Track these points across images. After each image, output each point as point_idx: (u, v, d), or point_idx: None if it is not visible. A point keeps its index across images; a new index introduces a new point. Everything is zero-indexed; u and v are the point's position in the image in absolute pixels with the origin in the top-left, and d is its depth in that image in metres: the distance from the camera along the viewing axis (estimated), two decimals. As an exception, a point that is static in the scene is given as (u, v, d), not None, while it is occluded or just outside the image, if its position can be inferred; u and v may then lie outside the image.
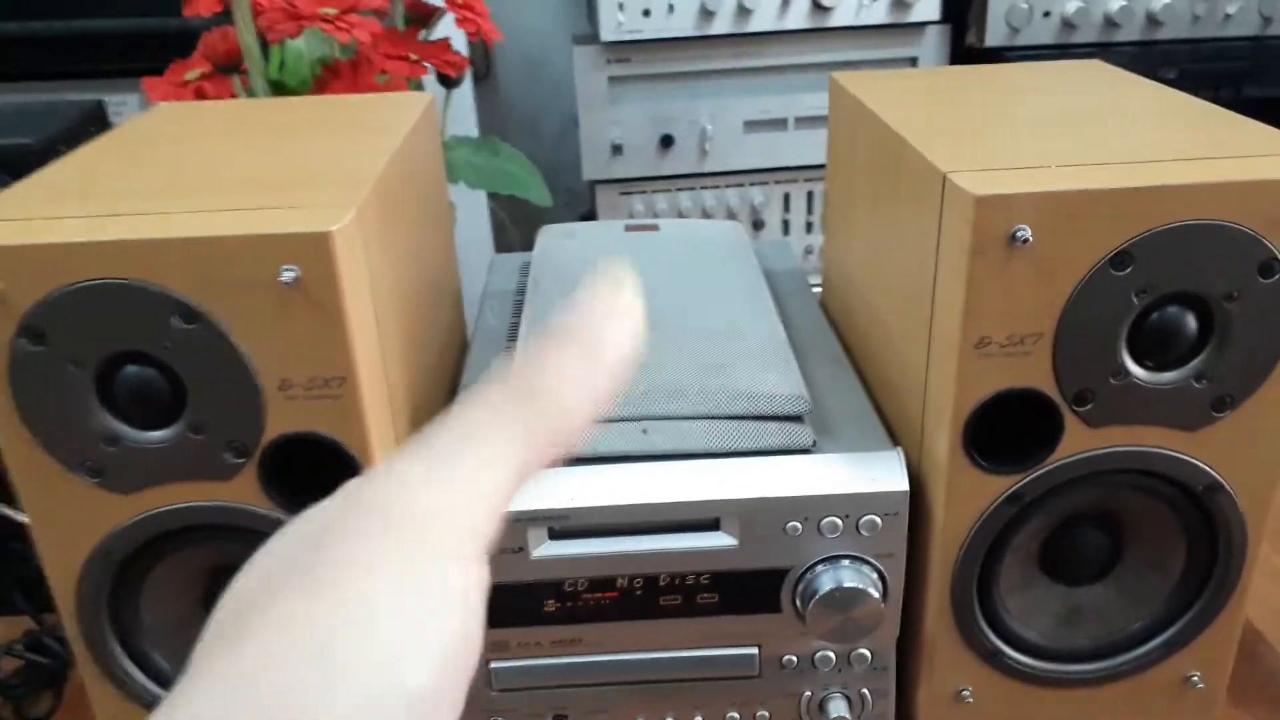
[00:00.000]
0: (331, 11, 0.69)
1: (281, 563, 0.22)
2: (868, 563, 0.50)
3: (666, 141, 1.26)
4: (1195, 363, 0.46)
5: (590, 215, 1.34)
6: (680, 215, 1.31)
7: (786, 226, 1.33)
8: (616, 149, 1.26)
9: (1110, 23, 1.21)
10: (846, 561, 0.50)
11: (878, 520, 0.49)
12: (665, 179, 1.30)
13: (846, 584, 0.49)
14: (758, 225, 1.32)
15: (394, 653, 0.20)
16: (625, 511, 0.49)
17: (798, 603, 0.50)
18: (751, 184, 1.31)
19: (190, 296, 0.42)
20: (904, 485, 0.49)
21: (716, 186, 1.30)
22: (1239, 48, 1.24)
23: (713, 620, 0.51)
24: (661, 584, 0.50)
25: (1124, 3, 1.20)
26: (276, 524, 0.45)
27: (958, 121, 0.54)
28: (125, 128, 0.57)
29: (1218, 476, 0.48)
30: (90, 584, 0.47)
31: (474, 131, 1.31)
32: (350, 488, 0.23)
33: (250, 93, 0.74)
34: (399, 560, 0.21)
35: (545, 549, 0.49)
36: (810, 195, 1.32)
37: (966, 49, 1.25)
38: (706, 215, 1.31)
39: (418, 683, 0.20)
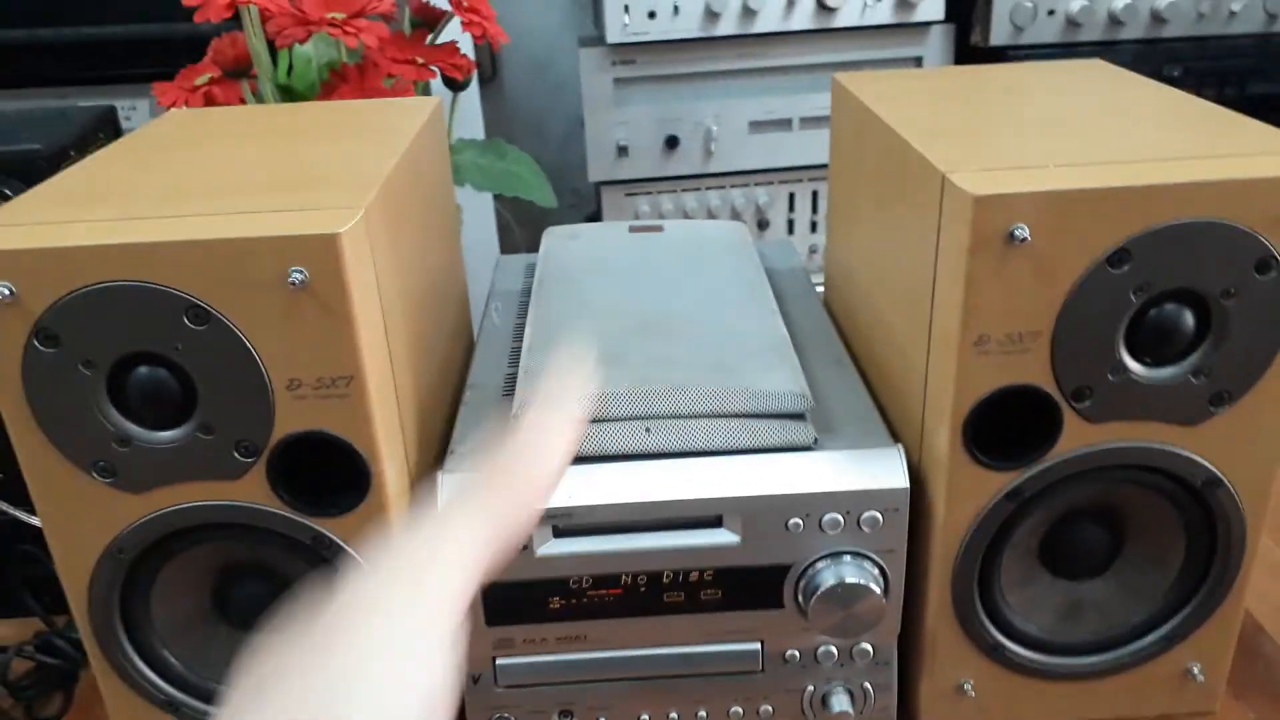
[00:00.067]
0: (339, 16, 0.70)
1: (294, 644, 0.26)
2: (869, 558, 0.50)
3: (672, 142, 1.26)
4: (1193, 359, 0.47)
5: (596, 216, 1.34)
6: (685, 216, 1.31)
7: (791, 226, 1.34)
8: (622, 150, 1.27)
9: (1115, 21, 1.21)
10: (848, 557, 0.50)
11: (879, 516, 0.49)
12: (670, 180, 1.30)
13: (848, 580, 0.49)
14: (762, 225, 1.32)
15: (390, 705, 0.25)
16: (629, 509, 0.49)
17: (800, 598, 0.51)
18: (756, 184, 1.31)
19: (201, 298, 0.42)
20: (905, 482, 0.49)
21: (721, 187, 1.31)
22: (1244, 45, 1.24)
23: (716, 616, 0.52)
24: (665, 581, 0.51)
25: (1128, 1, 1.20)
26: (284, 522, 0.46)
27: (957, 122, 0.55)
28: (137, 133, 0.58)
29: (1216, 471, 0.49)
30: (102, 583, 0.48)
31: (480, 133, 1.31)
32: (347, 584, 0.27)
33: (259, 97, 0.75)
34: (393, 638, 0.26)
35: (550, 547, 0.50)
36: (815, 195, 1.32)
37: (971, 48, 1.25)
38: (712, 215, 1.31)
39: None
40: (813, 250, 1.34)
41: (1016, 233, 0.43)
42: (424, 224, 0.57)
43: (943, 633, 0.52)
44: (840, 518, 0.49)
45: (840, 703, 0.54)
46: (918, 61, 1.27)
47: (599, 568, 0.50)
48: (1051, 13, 1.21)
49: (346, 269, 0.42)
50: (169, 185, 0.48)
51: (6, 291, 0.42)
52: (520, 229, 1.40)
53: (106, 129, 0.72)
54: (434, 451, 0.55)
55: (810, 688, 0.54)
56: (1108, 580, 0.53)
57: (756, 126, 1.28)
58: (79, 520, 0.47)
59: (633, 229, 0.73)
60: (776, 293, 0.64)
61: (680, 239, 0.71)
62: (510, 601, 0.51)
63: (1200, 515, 0.50)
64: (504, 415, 0.55)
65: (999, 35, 1.22)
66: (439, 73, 0.77)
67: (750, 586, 0.51)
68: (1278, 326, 0.46)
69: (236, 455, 0.45)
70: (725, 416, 0.51)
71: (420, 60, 0.75)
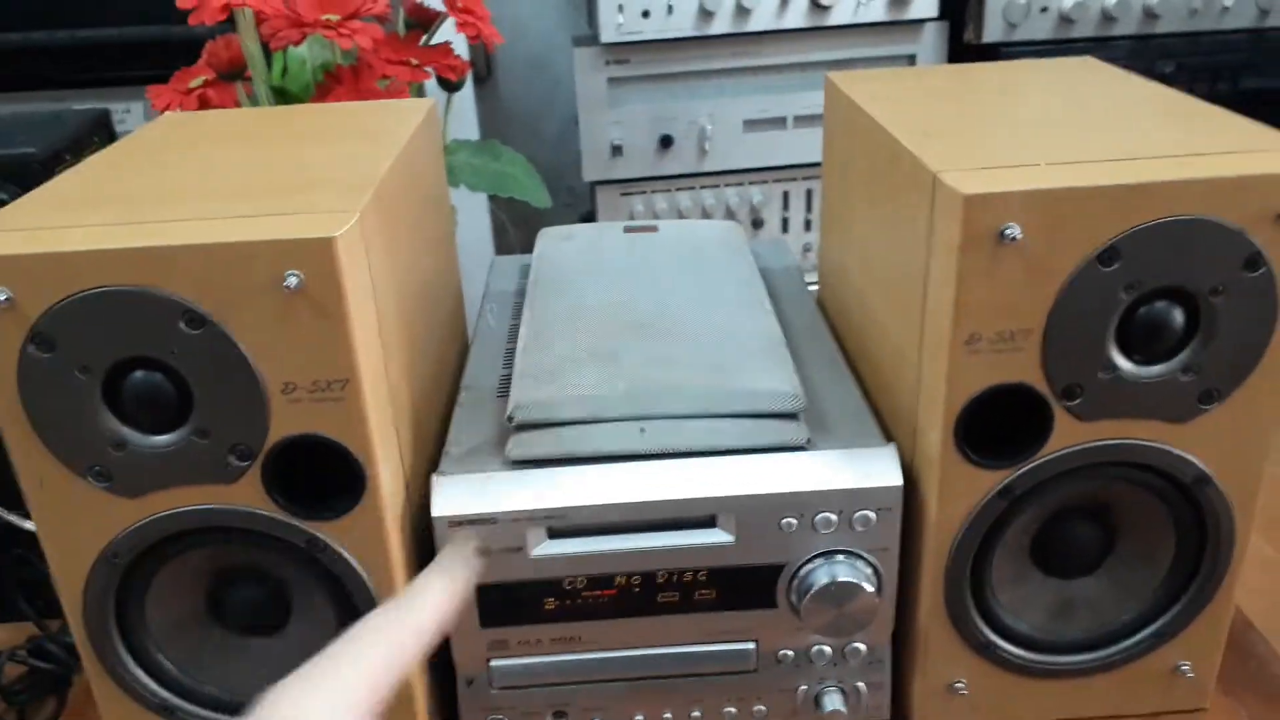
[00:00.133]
0: (334, 18, 0.70)
1: None
2: (862, 557, 0.50)
3: (666, 142, 1.27)
4: (1182, 356, 0.47)
5: (591, 216, 1.34)
6: (680, 215, 1.31)
7: (786, 224, 1.34)
8: (616, 150, 1.27)
9: (1107, 17, 1.22)
10: (841, 556, 0.50)
11: (872, 515, 0.50)
12: (665, 179, 1.30)
13: (841, 579, 0.50)
14: (757, 224, 1.33)
15: None
16: (623, 510, 0.50)
17: (793, 598, 0.51)
18: (751, 183, 1.31)
19: (196, 302, 0.42)
20: (898, 480, 0.50)
21: (716, 186, 1.31)
22: (1236, 40, 1.25)
23: (710, 616, 0.52)
24: (659, 581, 0.51)
25: (1120, -3, 1.20)
26: (279, 526, 0.46)
27: (948, 121, 0.55)
28: (132, 137, 0.58)
29: (1205, 468, 0.49)
30: (96, 587, 0.48)
31: (475, 133, 1.32)
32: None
33: (253, 100, 0.75)
34: None
35: (544, 548, 0.50)
36: (809, 193, 1.32)
37: (964, 45, 1.25)
38: (706, 214, 1.31)
39: None
40: (807, 249, 1.34)
41: (1007, 231, 0.43)
42: (419, 226, 0.57)
43: (935, 631, 0.52)
44: (833, 517, 0.50)
45: (834, 702, 0.54)
46: (911, 59, 1.27)
47: (593, 568, 0.50)
48: (1044, 9, 1.21)
49: (342, 273, 0.42)
50: (164, 189, 0.49)
51: (2, 297, 0.42)
52: (515, 229, 1.40)
53: (101, 132, 0.72)
54: (429, 454, 0.55)
55: (804, 687, 0.54)
56: (1099, 578, 0.54)
57: (751, 125, 1.28)
58: (74, 525, 0.47)
59: (627, 229, 0.73)
60: (770, 292, 0.64)
61: (675, 239, 0.71)
62: (505, 603, 0.51)
63: (1190, 512, 0.51)
64: (498, 416, 0.55)
65: (992, 32, 1.22)
66: (433, 74, 0.77)
67: (744, 586, 0.51)
68: (1266, 324, 0.46)
69: (232, 459, 0.46)
70: (719, 416, 0.51)
71: (415, 61, 0.75)
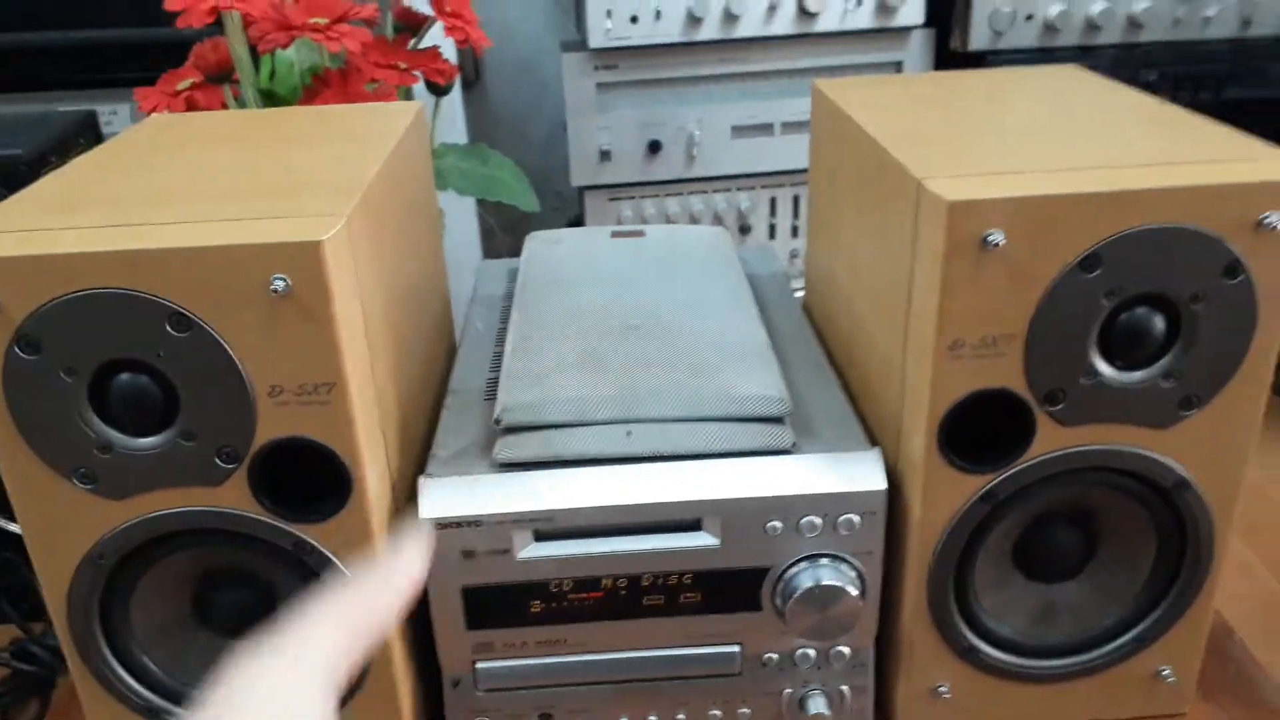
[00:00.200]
0: (322, 21, 0.70)
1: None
2: (846, 561, 0.51)
3: (654, 147, 1.27)
4: (1163, 362, 0.47)
5: (578, 220, 1.35)
6: (668, 220, 1.32)
7: (773, 230, 1.34)
8: (604, 155, 1.27)
9: (1092, 26, 1.22)
10: (825, 560, 0.51)
11: (856, 519, 0.50)
12: (653, 184, 1.30)
13: (825, 582, 0.50)
14: (744, 230, 1.33)
15: None
16: (609, 513, 0.50)
17: (778, 601, 0.51)
18: (738, 189, 1.32)
19: (183, 305, 0.42)
20: (882, 484, 0.50)
21: (704, 191, 1.31)
22: (1219, 50, 1.25)
23: (695, 619, 0.52)
24: (644, 584, 0.51)
25: (1105, 6, 1.21)
26: (265, 528, 0.46)
27: (933, 128, 0.55)
28: (118, 139, 0.58)
29: (1186, 474, 0.50)
30: (82, 589, 0.48)
31: (463, 137, 1.32)
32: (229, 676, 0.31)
33: (241, 102, 0.75)
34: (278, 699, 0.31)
35: (530, 551, 0.50)
36: (796, 200, 1.33)
37: (950, 53, 1.26)
38: (694, 220, 1.32)
39: None
40: (794, 255, 1.34)
41: (990, 238, 0.44)
42: (406, 229, 0.57)
43: (918, 635, 0.53)
44: (818, 520, 0.50)
45: (817, 705, 0.54)
46: (898, 66, 1.27)
47: (579, 571, 0.51)
48: (1030, 18, 1.22)
49: (329, 276, 0.42)
50: (150, 191, 0.49)
51: (-13, 299, 0.42)
52: (503, 233, 1.40)
53: (87, 134, 0.72)
54: (415, 456, 0.55)
55: (788, 690, 0.55)
56: (1080, 583, 0.54)
57: (738, 131, 1.28)
58: (59, 527, 0.47)
59: (615, 234, 0.74)
60: (757, 297, 0.65)
61: (662, 244, 0.71)
62: (490, 605, 0.51)
63: (1170, 518, 0.51)
64: (486, 418, 0.55)
65: (978, 40, 1.23)
66: (421, 77, 0.77)
67: (729, 589, 0.51)
68: (1245, 331, 0.47)
69: (218, 461, 0.46)
70: (706, 420, 0.52)
71: (403, 65, 0.75)
